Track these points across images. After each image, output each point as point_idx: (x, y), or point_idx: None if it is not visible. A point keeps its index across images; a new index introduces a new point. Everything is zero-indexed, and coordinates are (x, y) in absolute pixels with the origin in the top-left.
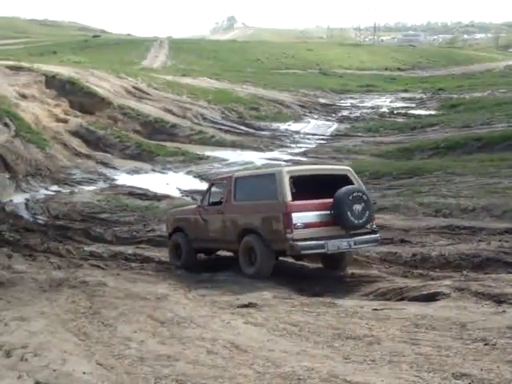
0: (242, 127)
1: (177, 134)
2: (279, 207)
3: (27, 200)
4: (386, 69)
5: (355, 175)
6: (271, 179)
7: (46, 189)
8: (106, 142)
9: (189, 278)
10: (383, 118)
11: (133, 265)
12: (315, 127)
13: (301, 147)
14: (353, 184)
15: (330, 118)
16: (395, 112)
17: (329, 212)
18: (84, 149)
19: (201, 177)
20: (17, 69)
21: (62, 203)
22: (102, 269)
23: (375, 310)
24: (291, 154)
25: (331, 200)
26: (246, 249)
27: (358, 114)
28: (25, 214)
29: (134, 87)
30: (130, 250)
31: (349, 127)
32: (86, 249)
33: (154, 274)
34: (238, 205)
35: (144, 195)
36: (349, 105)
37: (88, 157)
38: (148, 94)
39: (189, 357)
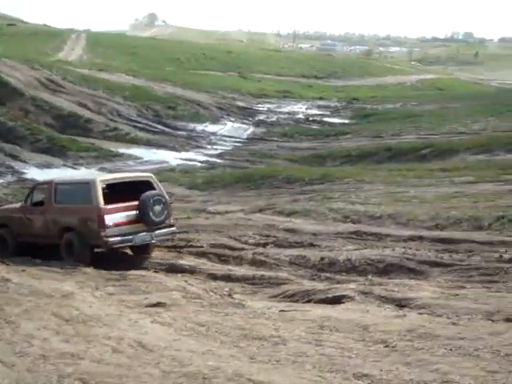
0: (159, 126)
1: (91, 130)
2: (94, 210)
3: None
4: (304, 76)
5: (156, 180)
6: (87, 186)
7: None
8: (16, 134)
9: (97, 276)
10: (299, 123)
11: (38, 261)
12: (232, 129)
13: (217, 149)
14: (154, 188)
15: (246, 121)
16: (310, 119)
17: (135, 212)
18: None
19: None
20: None
21: None
22: (7, 265)
23: (282, 311)
24: (207, 155)
25: (137, 202)
26: (66, 243)
27: (274, 119)
28: None
29: (48, 79)
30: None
31: (265, 131)
32: None
33: (60, 272)
34: (59, 207)
35: None
36: (266, 109)
37: None
38: (63, 86)
39: (93, 355)
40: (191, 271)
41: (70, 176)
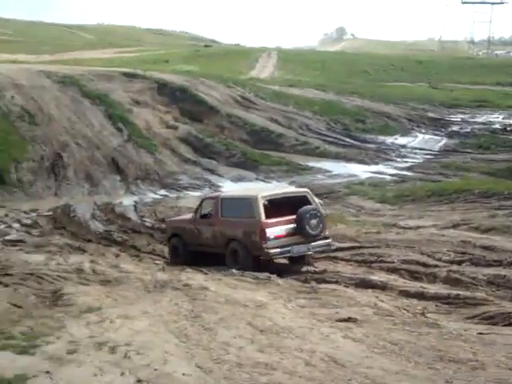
0: (347, 139)
1: (281, 144)
2: (256, 224)
3: (136, 202)
4: (500, 84)
5: (312, 195)
6: (249, 202)
7: (154, 192)
8: (213, 149)
9: (289, 288)
10: (495, 134)
11: (234, 271)
12: (423, 141)
13: (407, 162)
14: (310, 203)
15: (438, 132)
16: (508, 129)
17: (293, 226)
18: (191, 155)
19: (303, 187)
20: (131, 76)
21: (168, 207)
22: (205, 273)
23: (480, 333)
24: (397, 168)
25: (294, 216)
26: (231, 252)
27: (468, 130)
28: (133, 216)
29: (241, 96)
30: None
31: (458, 143)
32: None
33: (254, 282)
34: (224, 220)
35: None
36: (459, 120)
37: (195, 163)
38: (255, 103)
39: (286, 367)
40: (382, 287)
41: (234, 191)
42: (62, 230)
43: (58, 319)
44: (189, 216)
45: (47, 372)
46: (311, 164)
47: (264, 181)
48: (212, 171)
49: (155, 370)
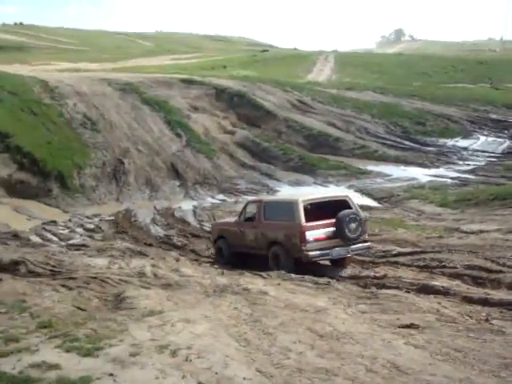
0: (407, 142)
1: (339, 148)
2: (297, 227)
3: (195, 207)
4: None
5: (352, 200)
6: (291, 206)
7: (213, 197)
8: (270, 153)
9: (348, 293)
10: None
11: (293, 276)
12: (485, 144)
13: (469, 164)
14: (350, 207)
15: (501, 134)
16: None
17: (332, 229)
18: (249, 160)
19: (362, 191)
20: (189, 82)
21: (227, 212)
22: (263, 278)
23: None
24: (458, 171)
25: (334, 220)
26: (273, 254)
27: None
28: (192, 221)
29: (298, 100)
30: None
31: None
32: None
33: (313, 287)
34: (267, 223)
35: None
36: None
37: (252, 168)
38: (312, 107)
39: (347, 373)
40: (444, 293)
41: (277, 196)
42: (124, 234)
43: (121, 322)
44: (233, 219)
45: (111, 374)
46: (370, 168)
47: (322, 185)
48: (270, 176)
49: (216, 373)
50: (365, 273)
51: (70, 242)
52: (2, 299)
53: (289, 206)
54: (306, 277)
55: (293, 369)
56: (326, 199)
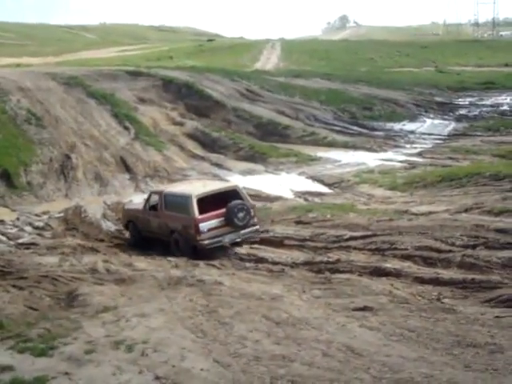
0: (355, 127)
1: (289, 136)
2: (191, 220)
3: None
4: (507, 65)
5: (241, 189)
6: (185, 200)
7: None
8: (221, 143)
9: (303, 279)
10: (504, 116)
11: (247, 265)
12: (431, 126)
13: (416, 147)
14: (240, 196)
15: (446, 116)
16: None
17: (223, 219)
18: (199, 151)
19: (313, 178)
20: (136, 74)
21: None
22: (218, 268)
23: (497, 317)
24: (406, 154)
25: (224, 210)
26: (174, 240)
27: (476, 113)
28: None
29: (247, 89)
30: (243, 249)
31: (467, 126)
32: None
33: (268, 275)
34: (167, 213)
35: (257, 196)
36: (467, 103)
37: (203, 158)
38: (261, 95)
39: (304, 358)
40: (396, 274)
41: (176, 187)
42: (74, 231)
43: (75, 320)
44: (141, 205)
45: (66, 373)
46: (320, 154)
47: (273, 173)
48: (220, 166)
49: (173, 366)
50: (318, 258)
51: (19, 240)
52: None
53: (184, 200)
54: (260, 265)
55: (250, 357)
56: (218, 191)
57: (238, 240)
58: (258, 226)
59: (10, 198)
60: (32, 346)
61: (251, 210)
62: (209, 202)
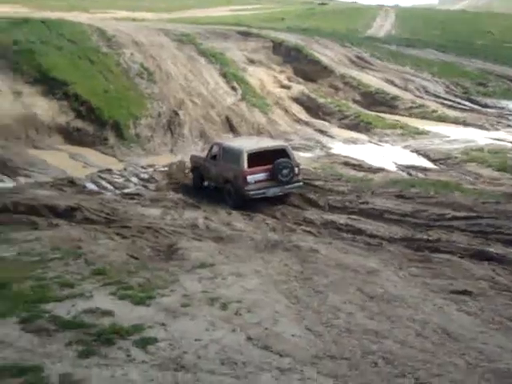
0: (467, 103)
1: (397, 107)
2: (241, 172)
3: None
4: None
5: (290, 149)
6: (239, 153)
7: None
8: (326, 110)
9: (400, 255)
10: None
11: (344, 235)
12: None
13: None
14: (288, 155)
15: None
16: None
17: (269, 173)
18: (304, 116)
19: (418, 152)
20: (246, 34)
21: None
22: (315, 236)
23: None
24: None
25: (271, 166)
26: (227, 191)
27: None
28: None
29: (357, 56)
30: (342, 219)
31: None
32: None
33: (364, 247)
34: (223, 164)
35: (359, 166)
36: None
37: (307, 124)
38: (371, 63)
39: (397, 336)
40: (499, 260)
41: (234, 142)
42: (177, 185)
43: (173, 273)
44: (203, 155)
45: (162, 324)
46: (428, 128)
47: (378, 144)
48: (324, 132)
49: (265, 329)
50: (418, 235)
51: (125, 190)
52: (58, 245)
53: (237, 153)
54: (358, 237)
55: (342, 329)
56: (268, 148)
57: (280, 194)
58: (301, 183)
59: (119, 148)
60: (132, 294)
61: (296, 168)
62: (259, 158)
